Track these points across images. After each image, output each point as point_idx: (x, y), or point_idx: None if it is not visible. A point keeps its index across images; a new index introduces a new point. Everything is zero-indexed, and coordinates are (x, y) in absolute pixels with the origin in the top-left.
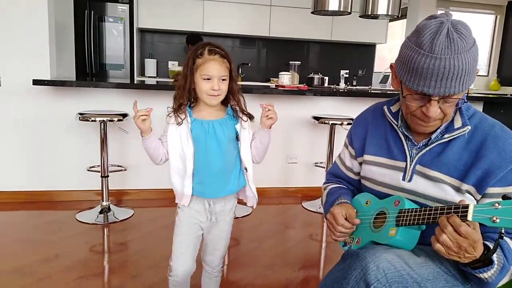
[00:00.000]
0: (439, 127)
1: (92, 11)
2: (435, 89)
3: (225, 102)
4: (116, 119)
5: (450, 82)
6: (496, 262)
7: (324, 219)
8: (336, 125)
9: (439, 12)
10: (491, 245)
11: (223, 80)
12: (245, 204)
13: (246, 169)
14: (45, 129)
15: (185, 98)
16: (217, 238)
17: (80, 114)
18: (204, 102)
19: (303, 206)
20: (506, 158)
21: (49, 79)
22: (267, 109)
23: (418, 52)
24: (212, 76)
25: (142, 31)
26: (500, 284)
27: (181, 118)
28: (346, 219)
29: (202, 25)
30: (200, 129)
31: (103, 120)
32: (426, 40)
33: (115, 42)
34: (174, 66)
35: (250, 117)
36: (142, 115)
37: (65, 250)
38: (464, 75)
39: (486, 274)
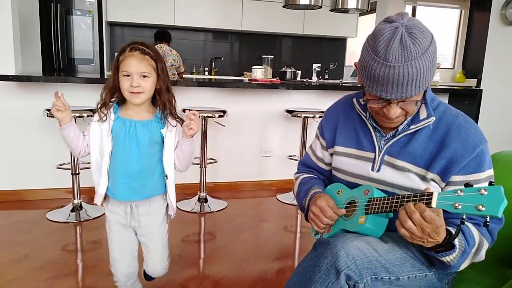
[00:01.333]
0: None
1: (59, 4)
2: (392, 95)
3: (156, 105)
4: (85, 115)
5: (406, 87)
6: (457, 246)
7: (299, 210)
8: (308, 118)
9: (407, 6)
10: (453, 231)
11: (144, 77)
12: (219, 198)
13: (167, 176)
14: (11, 126)
15: (109, 96)
16: (151, 243)
17: (48, 110)
18: (129, 101)
19: (277, 199)
20: (468, 147)
21: (14, 74)
22: (189, 118)
23: (374, 59)
24: (131, 72)
25: (112, 24)
26: (462, 267)
27: (104, 114)
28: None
29: (174, 18)
30: (121, 128)
31: (73, 116)
32: (381, 48)
33: (84, 36)
34: None
35: (181, 121)
36: (58, 107)
37: (36, 250)
38: (419, 79)
39: (448, 258)
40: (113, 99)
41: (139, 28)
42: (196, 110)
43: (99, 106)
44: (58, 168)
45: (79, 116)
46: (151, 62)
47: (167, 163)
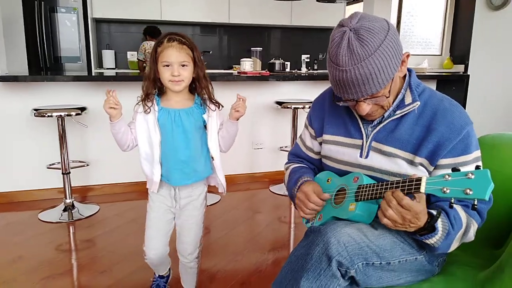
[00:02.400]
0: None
1: (42, 2)
2: (354, 95)
3: (194, 91)
4: (74, 113)
5: (364, 87)
6: (440, 229)
7: (290, 199)
8: (298, 109)
9: None
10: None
11: (183, 66)
12: (212, 192)
13: (212, 158)
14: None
15: (151, 87)
16: (187, 224)
17: (35, 110)
18: (169, 89)
19: (270, 190)
20: (455, 130)
21: (0, 74)
22: (239, 100)
23: (330, 65)
24: (171, 62)
25: (98, 21)
26: (452, 248)
27: (148, 107)
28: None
29: (160, 13)
30: (166, 118)
31: (61, 115)
32: (333, 53)
33: (69, 34)
34: (133, 56)
35: (219, 105)
36: (111, 104)
37: (29, 251)
38: (374, 77)
39: (432, 240)
40: (154, 91)
41: (125, 24)
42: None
43: (142, 97)
44: (48, 168)
45: (67, 115)
46: (188, 51)
47: (212, 146)
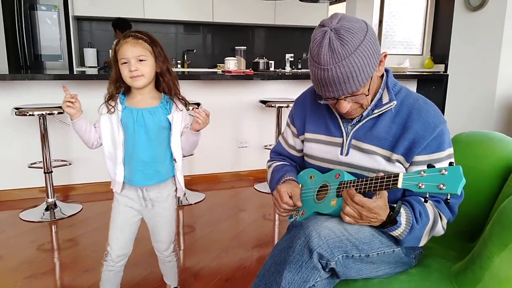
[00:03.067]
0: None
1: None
2: (335, 93)
3: (160, 89)
4: (56, 112)
5: (345, 85)
6: (404, 222)
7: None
8: (282, 108)
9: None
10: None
11: (140, 60)
12: (196, 190)
13: (175, 160)
14: None
15: (115, 88)
16: (159, 224)
17: (16, 108)
18: (132, 87)
19: (255, 188)
20: (429, 128)
21: None
22: (201, 112)
23: (312, 64)
24: (128, 58)
25: (79, 19)
26: (423, 242)
27: (112, 106)
28: (290, 197)
29: (143, 11)
30: (129, 117)
31: (42, 114)
32: (314, 52)
33: (50, 32)
34: None
35: (185, 103)
36: (67, 102)
37: (11, 250)
38: (355, 76)
39: (396, 232)
40: (118, 91)
41: (107, 22)
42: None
43: (106, 98)
44: (29, 167)
45: (49, 114)
46: (145, 45)
47: (175, 148)
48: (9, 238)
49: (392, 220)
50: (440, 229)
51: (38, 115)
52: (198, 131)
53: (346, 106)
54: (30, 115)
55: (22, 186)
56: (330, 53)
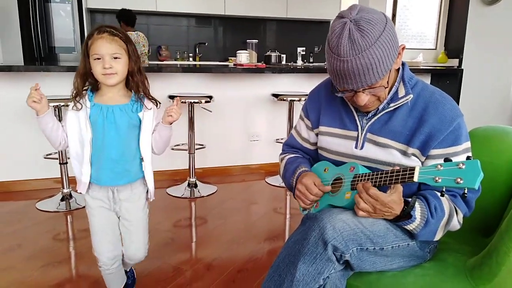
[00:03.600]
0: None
1: None
2: (354, 85)
3: (130, 87)
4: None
5: (364, 77)
6: (419, 217)
7: (288, 190)
8: (294, 102)
9: None
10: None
11: (115, 58)
12: (208, 183)
13: (142, 159)
14: None
15: (82, 83)
16: (133, 227)
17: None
18: (103, 84)
19: (266, 182)
20: (445, 121)
21: None
22: (172, 105)
23: (331, 55)
24: (102, 54)
25: (92, 11)
26: (438, 237)
27: (80, 103)
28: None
29: (155, 4)
30: (98, 114)
31: (57, 105)
32: (334, 44)
33: (64, 24)
34: None
35: (156, 103)
36: (33, 99)
37: (28, 239)
38: (375, 67)
39: (410, 226)
40: (86, 87)
41: None
42: (182, 96)
43: (73, 95)
44: (45, 158)
45: (64, 105)
46: (121, 43)
47: (143, 146)
48: (26, 228)
49: (406, 215)
50: (456, 224)
51: (53, 106)
52: (171, 123)
53: (364, 98)
54: None
55: (38, 176)
56: (350, 44)
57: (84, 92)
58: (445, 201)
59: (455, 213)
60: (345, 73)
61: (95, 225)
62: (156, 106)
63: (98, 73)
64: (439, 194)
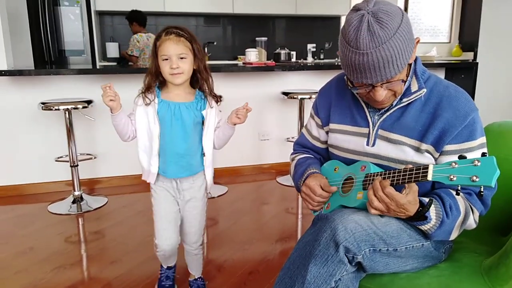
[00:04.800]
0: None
1: None
2: (373, 79)
3: (195, 85)
4: (80, 106)
5: (384, 70)
6: (434, 217)
7: (297, 191)
8: (305, 99)
9: None
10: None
11: (181, 58)
12: (219, 183)
13: (204, 154)
14: (6, 121)
15: (152, 81)
16: (190, 215)
17: (43, 103)
18: (170, 83)
19: (277, 182)
20: (460, 116)
21: (6, 69)
22: (243, 108)
23: (348, 49)
24: (169, 55)
25: (101, 13)
26: (453, 236)
27: (149, 99)
28: (322, 189)
29: (163, 4)
30: (166, 111)
31: (67, 108)
32: (351, 37)
33: (73, 27)
34: None
35: (217, 99)
36: (109, 96)
37: (40, 242)
38: (395, 60)
39: (425, 227)
40: (155, 84)
41: None
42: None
43: (143, 90)
44: (56, 161)
45: (74, 108)
46: (186, 43)
47: (206, 142)
48: (38, 230)
49: (420, 216)
50: (472, 223)
51: (63, 109)
52: (235, 124)
53: (382, 93)
54: (56, 109)
55: (50, 179)
56: (369, 36)
57: (153, 88)
58: (461, 200)
59: (471, 212)
60: (364, 67)
61: (160, 211)
62: (217, 103)
63: (166, 73)
64: (454, 192)
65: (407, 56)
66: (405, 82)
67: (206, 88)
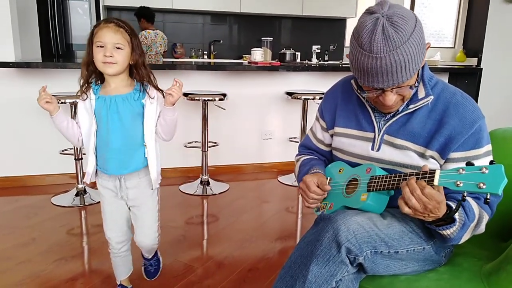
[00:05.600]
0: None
1: None
2: (384, 83)
3: (134, 77)
4: None
5: (396, 75)
6: (457, 220)
7: (299, 189)
8: (308, 100)
9: None
10: (453, 205)
11: (117, 48)
12: (221, 180)
13: (146, 146)
14: (12, 113)
15: (87, 72)
16: (139, 213)
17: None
18: (104, 74)
19: (279, 181)
20: (466, 123)
21: (14, 61)
22: (175, 84)
23: (361, 53)
24: (105, 43)
25: (109, 8)
26: (463, 240)
27: (86, 94)
28: (318, 186)
29: (171, 1)
30: (102, 106)
31: (74, 102)
32: (365, 40)
33: (81, 21)
34: None
35: (162, 93)
36: (45, 98)
37: (42, 233)
38: (408, 65)
39: (449, 231)
40: (91, 79)
41: None
42: (197, 94)
43: (80, 84)
44: (61, 153)
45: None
46: (125, 35)
47: (147, 133)
48: (41, 222)
49: (446, 218)
50: (482, 227)
51: (69, 102)
52: (173, 104)
53: (392, 98)
54: (62, 102)
55: (54, 172)
56: (384, 40)
57: (89, 85)
58: (473, 202)
59: (484, 215)
60: (376, 71)
61: (106, 211)
62: (162, 95)
63: (98, 60)
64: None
65: (419, 61)
66: (414, 87)
67: (141, 79)
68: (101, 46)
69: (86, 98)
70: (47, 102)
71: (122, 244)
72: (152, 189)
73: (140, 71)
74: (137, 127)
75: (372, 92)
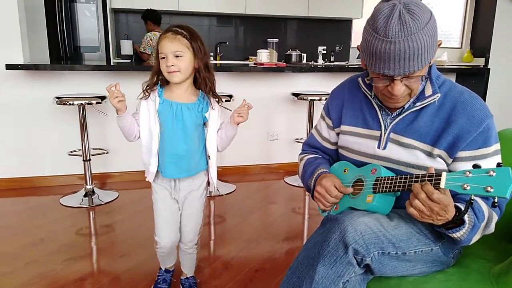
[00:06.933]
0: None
1: None
2: (395, 70)
3: (199, 85)
4: (94, 102)
5: (408, 62)
6: (467, 221)
7: (306, 191)
8: (314, 101)
9: None
10: (462, 207)
11: (177, 56)
12: (227, 181)
13: (209, 156)
14: (22, 114)
15: (153, 78)
16: (187, 214)
17: (57, 98)
18: (170, 82)
19: (285, 181)
20: (474, 122)
21: (23, 63)
22: (243, 105)
23: (375, 37)
24: (166, 53)
25: (116, 11)
26: (473, 241)
27: (148, 93)
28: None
29: (177, 3)
30: (168, 111)
31: (82, 104)
32: (381, 25)
33: (89, 24)
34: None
35: (219, 99)
36: (117, 97)
37: (51, 234)
38: (421, 53)
39: (459, 233)
40: (157, 82)
41: None
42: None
43: (145, 86)
44: (69, 154)
45: (88, 103)
46: (183, 41)
47: (210, 144)
48: (50, 222)
49: (457, 220)
50: (492, 228)
51: (77, 104)
52: (238, 124)
53: (400, 88)
54: (70, 104)
55: (63, 172)
56: (400, 25)
57: (154, 87)
58: (482, 203)
59: (493, 215)
60: (389, 56)
61: (159, 209)
62: (218, 103)
63: (163, 70)
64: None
65: (432, 52)
66: (424, 80)
67: (205, 87)
68: (163, 57)
69: (148, 97)
70: (120, 101)
71: (171, 243)
72: (204, 191)
73: (202, 74)
74: (197, 136)
75: (381, 81)
